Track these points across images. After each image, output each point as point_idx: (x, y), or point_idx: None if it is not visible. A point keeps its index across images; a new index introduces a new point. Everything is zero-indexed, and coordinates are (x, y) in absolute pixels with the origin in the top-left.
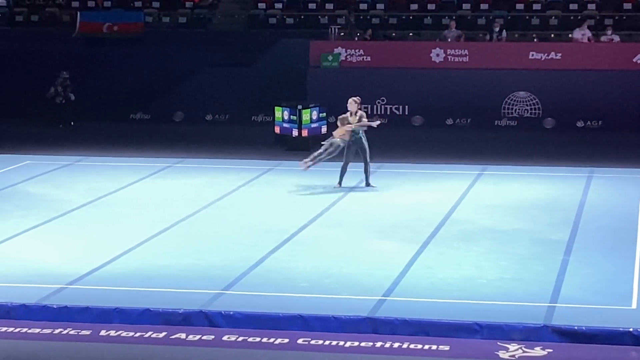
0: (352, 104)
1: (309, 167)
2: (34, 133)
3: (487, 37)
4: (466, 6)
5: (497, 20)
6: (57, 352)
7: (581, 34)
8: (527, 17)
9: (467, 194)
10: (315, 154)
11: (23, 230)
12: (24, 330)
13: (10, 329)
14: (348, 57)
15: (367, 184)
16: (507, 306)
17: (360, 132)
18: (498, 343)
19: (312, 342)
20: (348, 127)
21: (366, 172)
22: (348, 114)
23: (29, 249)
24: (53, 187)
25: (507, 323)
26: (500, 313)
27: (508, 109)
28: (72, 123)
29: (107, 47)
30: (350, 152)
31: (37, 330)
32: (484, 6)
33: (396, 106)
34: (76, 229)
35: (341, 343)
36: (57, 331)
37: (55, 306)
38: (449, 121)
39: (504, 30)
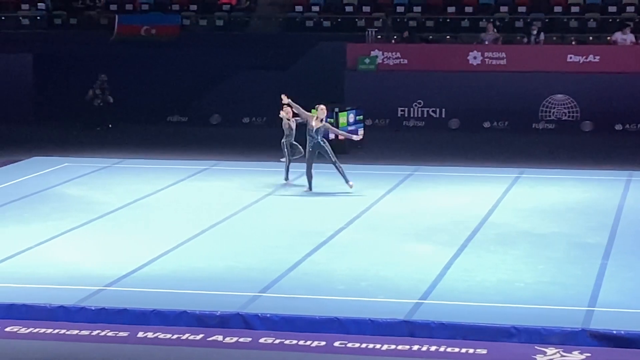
0: (323, 111)
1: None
2: (72, 135)
3: (525, 39)
4: (504, 9)
5: (535, 23)
6: (95, 353)
7: (622, 37)
8: (565, 20)
9: (505, 197)
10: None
11: (61, 232)
12: (63, 331)
13: (49, 331)
14: (385, 60)
15: (347, 183)
16: (545, 310)
17: (319, 137)
18: (535, 347)
19: (349, 345)
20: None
21: (339, 171)
22: (315, 117)
23: (67, 251)
24: (91, 189)
25: (545, 327)
26: (537, 317)
27: (546, 112)
28: (110, 125)
29: (145, 50)
30: (312, 157)
31: (76, 332)
32: (521, 9)
33: (433, 109)
34: (114, 231)
35: (378, 346)
36: (95, 333)
37: (93, 308)
38: (486, 124)
39: (542, 32)
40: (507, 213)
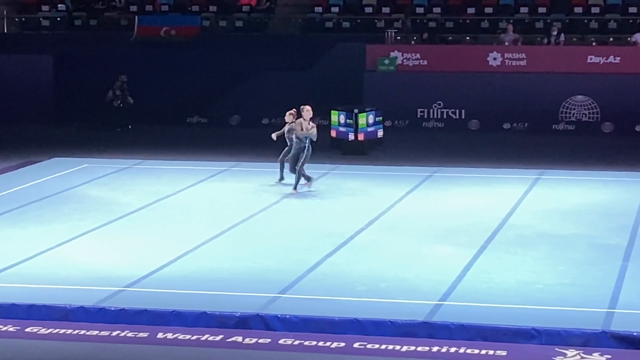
0: (309, 112)
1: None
2: (92, 136)
3: (545, 40)
4: (524, 10)
5: (555, 24)
6: (114, 354)
7: None
8: (586, 21)
9: (524, 198)
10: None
11: (81, 233)
12: (82, 332)
13: (69, 331)
14: (404, 61)
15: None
16: (565, 311)
17: (308, 140)
18: (556, 349)
19: (369, 346)
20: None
21: (296, 174)
22: (302, 120)
23: (87, 251)
24: (111, 190)
25: (565, 329)
26: (558, 318)
27: (566, 113)
28: (130, 126)
29: (165, 51)
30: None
31: (95, 333)
32: (541, 10)
33: (453, 110)
34: (133, 232)
35: (397, 347)
36: (114, 333)
37: (112, 309)
38: (506, 125)
39: (562, 33)
40: (527, 214)
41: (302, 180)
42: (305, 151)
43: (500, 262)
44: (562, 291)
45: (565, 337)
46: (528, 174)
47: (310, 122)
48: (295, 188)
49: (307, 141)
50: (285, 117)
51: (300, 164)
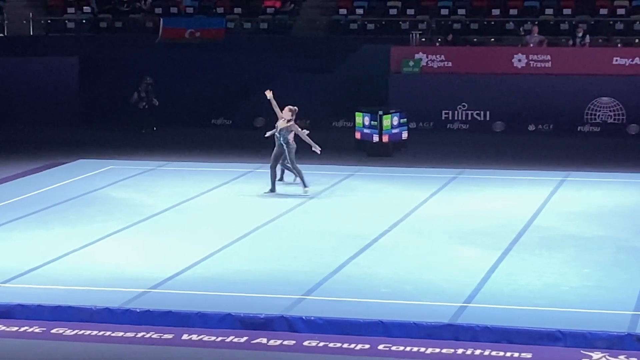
0: (289, 112)
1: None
2: (117, 138)
3: (570, 42)
4: (549, 11)
5: (581, 25)
6: (139, 355)
7: None
8: (611, 22)
9: (550, 200)
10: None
11: (106, 234)
12: (107, 333)
13: (94, 332)
14: (429, 62)
15: (272, 189)
16: (591, 314)
17: (282, 138)
18: (581, 351)
19: (393, 348)
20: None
21: (278, 175)
22: (285, 120)
23: (112, 253)
24: (136, 191)
25: (591, 331)
26: (583, 321)
27: (591, 114)
28: (155, 128)
29: (190, 53)
30: (276, 157)
31: (120, 334)
32: (567, 11)
33: (477, 112)
34: (158, 234)
35: (422, 349)
36: (139, 335)
37: (138, 310)
38: (531, 127)
39: (587, 35)
40: (553, 216)
41: (291, 177)
42: (285, 149)
43: (526, 264)
44: (588, 293)
45: (591, 340)
46: (553, 176)
47: (288, 122)
48: (305, 186)
49: (282, 138)
50: (285, 114)
51: (289, 164)
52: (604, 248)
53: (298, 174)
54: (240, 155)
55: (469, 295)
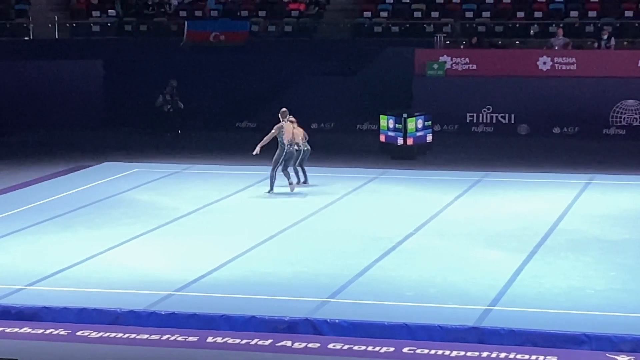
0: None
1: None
2: (142, 141)
3: (595, 44)
4: (574, 14)
5: (606, 28)
6: (164, 358)
7: None
8: (637, 24)
9: (575, 203)
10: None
11: (131, 237)
12: (133, 336)
13: (120, 335)
14: (454, 65)
15: (270, 190)
16: (616, 317)
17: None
18: (607, 354)
19: (418, 351)
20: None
21: (274, 177)
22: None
23: (137, 256)
24: (160, 194)
25: (616, 334)
26: (608, 324)
27: (616, 117)
28: (180, 131)
29: (214, 56)
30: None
31: (146, 336)
32: (592, 14)
33: (502, 114)
34: (183, 237)
35: (447, 352)
36: (164, 337)
37: (163, 312)
38: (556, 130)
39: (613, 37)
40: (578, 219)
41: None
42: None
43: (551, 267)
44: (613, 296)
45: (616, 343)
46: (578, 179)
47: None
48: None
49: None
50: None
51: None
52: (629, 251)
53: (273, 179)
54: (265, 158)
55: (494, 298)
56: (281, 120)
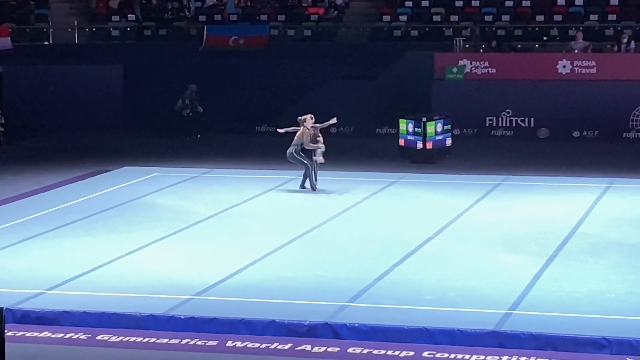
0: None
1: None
2: (161, 145)
3: (615, 48)
4: (593, 17)
5: (626, 31)
6: None
7: None
8: None
9: (595, 207)
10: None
11: (151, 241)
12: (152, 340)
13: (139, 339)
14: (473, 69)
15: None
16: (637, 321)
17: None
18: (627, 358)
19: (438, 355)
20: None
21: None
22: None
23: (157, 260)
24: (180, 198)
25: (637, 338)
26: (629, 328)
27: (636, 121)
28: (199, 135)
29: (233, 60)
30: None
31: (165, 340)
32: (611, 17)
33: (522, 118)
34: (203, 241)
35: (466, 357)
36: (184, 341)
37: (182, 317)
38: (576, 133)
39: (632, 41)
40: (598, 223)
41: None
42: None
43: (571, 271)
44: (634, 300)
45: (637, 347)
46: (598, 183)
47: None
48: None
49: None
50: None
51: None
52: None
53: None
54: (284, 162)
55: (514, 302)
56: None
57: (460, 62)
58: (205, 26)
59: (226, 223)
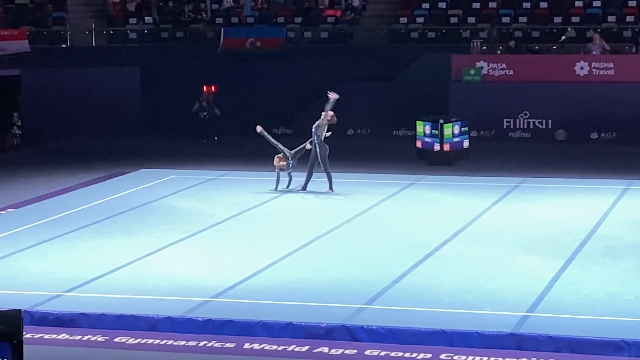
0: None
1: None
2: (179, 148)
3: (633, 49)
4: (611, 18)
5: None
6: None
7: None
8: None
9: (613, 209)
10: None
11: (168, 243)
12: (170, 342)
13: (157, 341)
14: (490, 71)
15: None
16: None
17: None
18: None
19: (455, 357)
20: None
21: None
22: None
23: (174, 262)
24: (197, 201)
25: None
26: None
27: None
28: (216, 138)
29: (250, 62)
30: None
31: (182, 343)
32: (629, 18)
33: (539, 120)
34: (220, 243)
35: (484, 359)
36: (201, 344)
37: (200, 319)
38: (594, 135)
39: None
40: (616, 225)
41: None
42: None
43: (589, 273)
44: None
45: None
46: (616, 184)
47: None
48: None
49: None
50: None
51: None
52: None
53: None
54: (301, 164)
55: (532, 305)
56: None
57: (478, 64)
58: (222, 28)
59: (243, 225)
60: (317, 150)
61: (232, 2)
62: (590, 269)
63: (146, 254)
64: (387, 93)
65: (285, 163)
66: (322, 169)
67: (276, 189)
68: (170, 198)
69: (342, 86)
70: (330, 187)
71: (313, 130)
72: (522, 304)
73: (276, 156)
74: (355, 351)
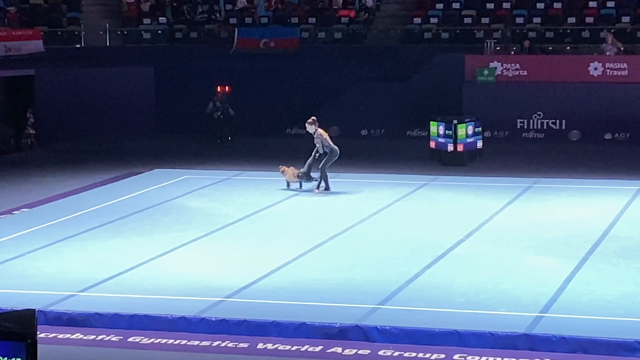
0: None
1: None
2: (192, 148)
3: None
4: (625, 19)
5: None
6: None
7: None
8: None
9: (627, 209)
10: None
11: (182, 243)
12: (184, 342)
13: (171, 341)
14: (504, 71)
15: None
16: None
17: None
18: None
19: (469, 358)
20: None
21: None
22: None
23: (188, 262)
24: (211, 201)
25: None
26: None
27: None
28: (230, 138)
29: (264, 63)
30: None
31: (196, 343)
32: None
33: (553, 120)
34: (234, 243)
35: (498, 359)
36: (215, 344)
37: (213, 319)
38: (607, 136)
39: None
40: (630, 226)
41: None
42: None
43: (603, 274)
44: None
45: None
46: (630, 185)
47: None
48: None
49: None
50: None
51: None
52: None
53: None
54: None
55: (545, 305)
56: (317, 128)
57: (491, 64)
58: (236, 29)
59: (257, 225)
60: (328, 153)
61: (246, 3)
62: (604, 270)
63: (160, 253)
64: (401, 93)
65: (296, 179)
66: (320, 166)
67: (301, 187)
68: (184, 198)
69: (356, 86)
70: (318, 187)
71: (317, 146)
72: (535, 304)
73: (291, 168)
74: (369, 351)
